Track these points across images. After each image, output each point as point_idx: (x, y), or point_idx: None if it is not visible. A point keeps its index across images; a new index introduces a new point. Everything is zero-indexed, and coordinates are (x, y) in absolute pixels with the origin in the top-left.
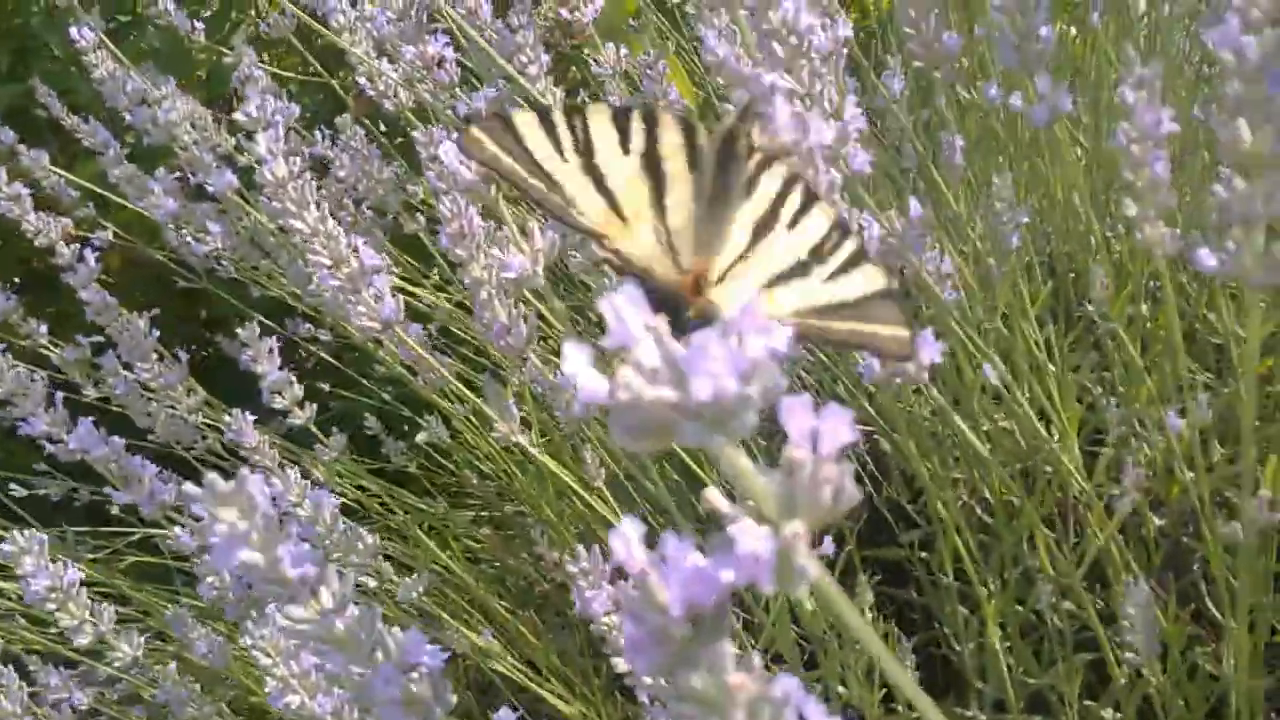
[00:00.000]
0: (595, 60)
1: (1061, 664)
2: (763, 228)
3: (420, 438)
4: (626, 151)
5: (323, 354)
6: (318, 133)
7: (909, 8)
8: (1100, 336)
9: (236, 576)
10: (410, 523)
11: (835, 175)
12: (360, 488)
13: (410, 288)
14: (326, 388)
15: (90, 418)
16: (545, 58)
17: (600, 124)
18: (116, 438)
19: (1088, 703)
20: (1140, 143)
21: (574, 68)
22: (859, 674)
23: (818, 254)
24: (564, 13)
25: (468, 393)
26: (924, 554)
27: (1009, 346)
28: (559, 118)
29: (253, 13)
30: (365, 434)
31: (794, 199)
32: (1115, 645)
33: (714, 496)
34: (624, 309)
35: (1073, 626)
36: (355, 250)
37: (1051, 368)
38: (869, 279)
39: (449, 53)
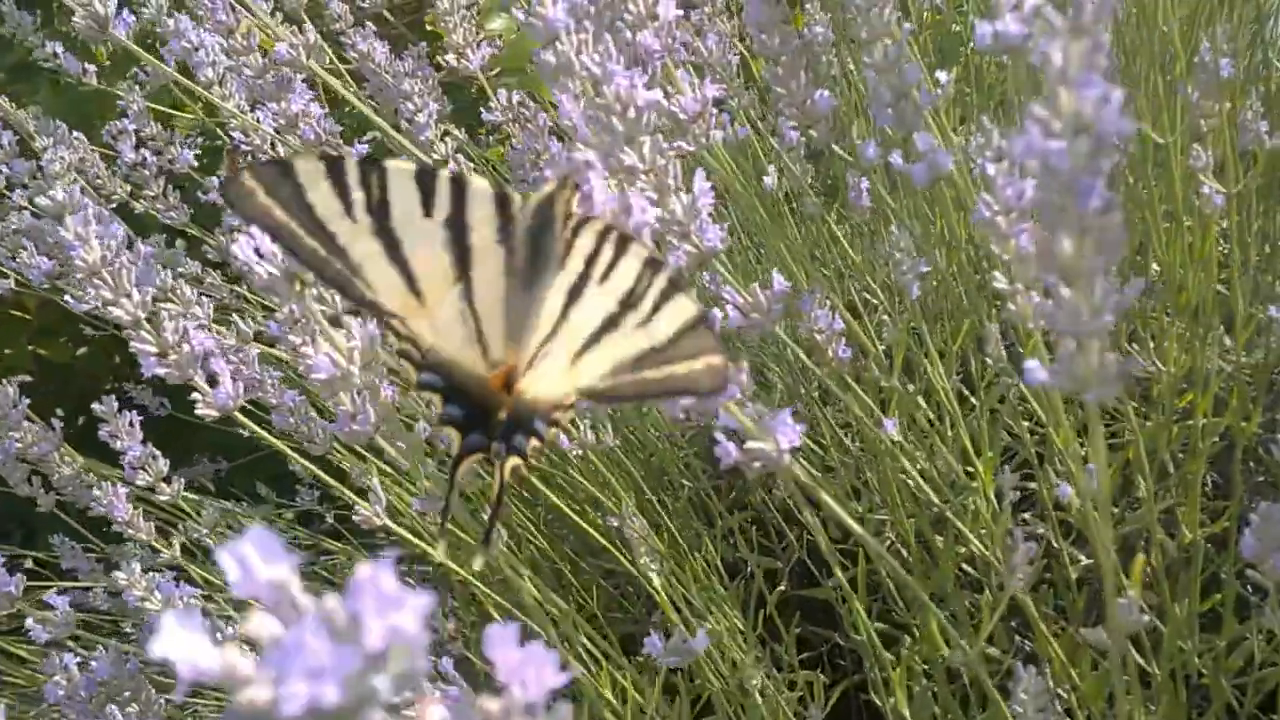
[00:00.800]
0: (485, 107)
1: (981, 715)
2: (575, 293)
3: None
4: (429, 214)
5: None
6: (214, 179)
7: (776, 66)
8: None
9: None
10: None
11: (685, 250)
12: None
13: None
14: (245, 433)
15: None
16: (434, 106)
17: (401, 182)
18: None
19: None
20: (1004, 215)
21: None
22: None
23: (630, 301)
24: (450, 60)
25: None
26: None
27: (919, 396)
28: (352, 170)
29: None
30: (293, 479)
31: (607, 251)
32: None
33: None
34: (249, 558)
35: (996, 673)
36: (185, 336)
37: (975, 401)
38: (680, 312)
39: (315, 108)
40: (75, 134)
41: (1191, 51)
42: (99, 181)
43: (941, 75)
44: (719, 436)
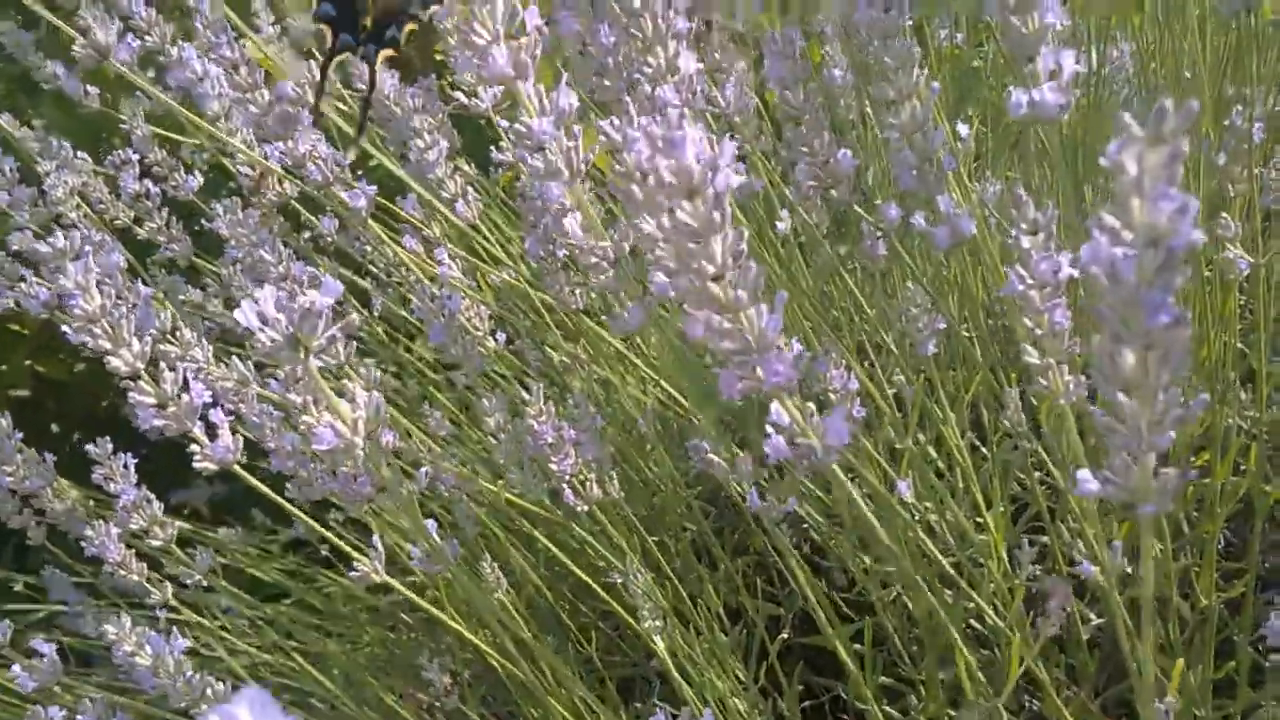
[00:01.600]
0: (496, 145)
1: None
2: None
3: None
4: None
5: None
6: (219, 206)
7: (799, 125)
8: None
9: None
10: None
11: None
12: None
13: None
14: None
15: None
16: (444, 143)
17: None
18: None
19: None
20: (1038, 289)
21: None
22: None
23: None
24: (461, 97)
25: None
26: (858, 646)
27: (929, 446)
28: None
29: None
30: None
31: None
32: None
33: None
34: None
35: None
36: (185, 386)
37: (986, 453)
38: None
39: (323, 148)
40: (80, 155)
41: (1216, 102)
42: (102, 206)
43: (962, 128)
44: (768, 430)
